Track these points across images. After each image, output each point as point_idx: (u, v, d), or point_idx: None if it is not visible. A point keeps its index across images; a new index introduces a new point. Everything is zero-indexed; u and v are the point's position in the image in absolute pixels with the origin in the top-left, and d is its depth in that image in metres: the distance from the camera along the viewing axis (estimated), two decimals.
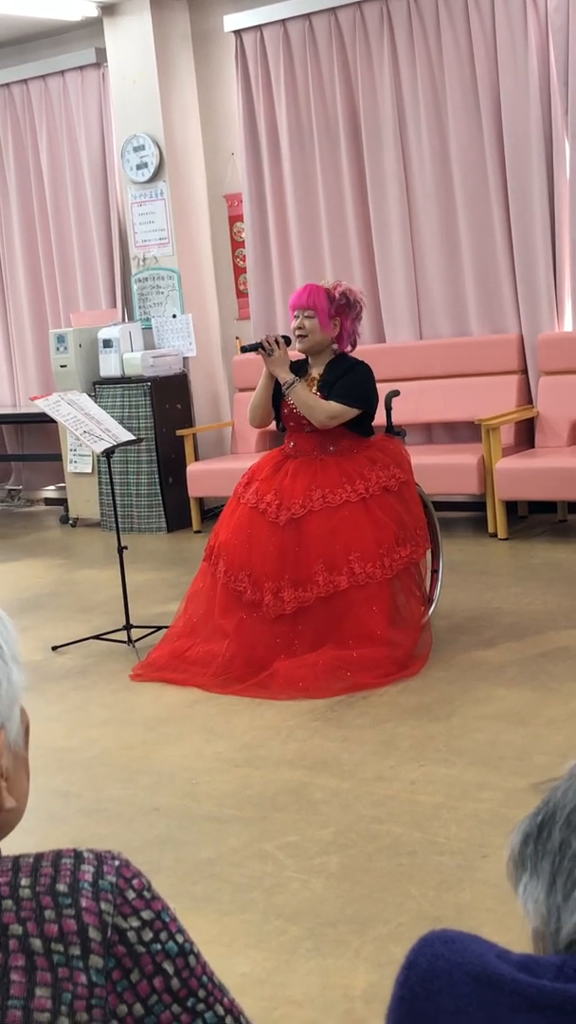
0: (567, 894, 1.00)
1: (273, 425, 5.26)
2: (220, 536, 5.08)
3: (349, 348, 5.07)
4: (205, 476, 7.99)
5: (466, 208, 7.42)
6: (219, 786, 3.94)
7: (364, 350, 7.49)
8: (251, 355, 8.20)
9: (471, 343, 7.53)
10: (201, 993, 1.11)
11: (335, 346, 5.04)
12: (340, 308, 4.99)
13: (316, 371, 5.06)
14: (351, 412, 4.93)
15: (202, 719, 4.58)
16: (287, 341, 5.08)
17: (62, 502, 9.27)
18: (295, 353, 5.13)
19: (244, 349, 5.26)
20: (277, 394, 5.08)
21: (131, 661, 5.27)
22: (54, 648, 5.60)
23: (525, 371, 7.42)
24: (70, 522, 8.85)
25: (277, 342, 5.03)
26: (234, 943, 2.97)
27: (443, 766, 3.90)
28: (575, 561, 6.35)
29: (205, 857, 3.44)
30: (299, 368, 5.08)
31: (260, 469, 5.11)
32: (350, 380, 4.96)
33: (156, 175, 8.37)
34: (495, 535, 6.97)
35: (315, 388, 5.01)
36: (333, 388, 4.95)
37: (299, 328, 4.98)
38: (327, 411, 4.91)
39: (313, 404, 4.93)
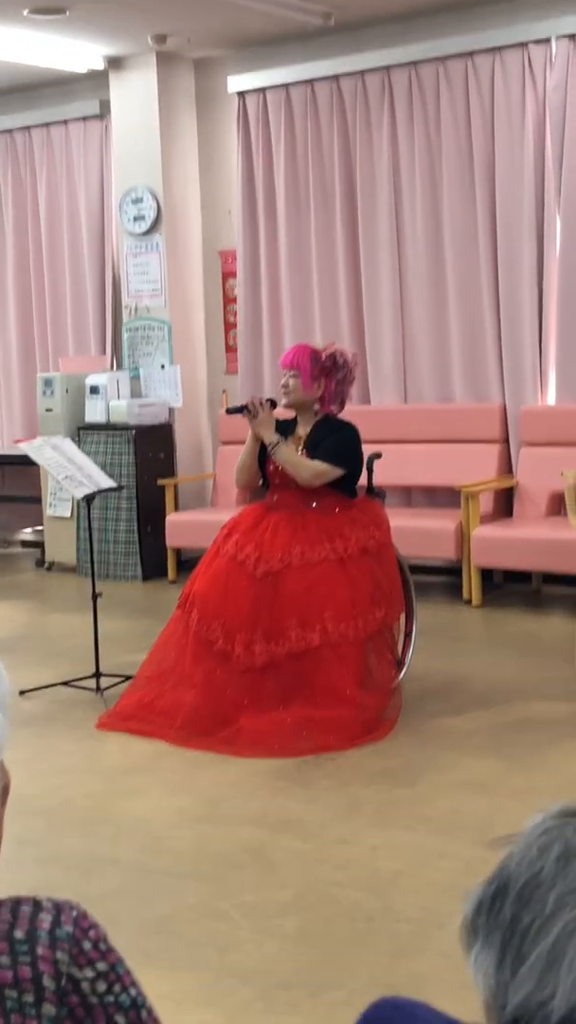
0: (514, 971, 1.00)
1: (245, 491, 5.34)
2: (196, 585, 5.09)
3: (334, 409, 5.12)
4: (184, 527, 8.00)
5: (456, 277, 7.51)
6: (179, 841, 3.92)
7: (348, 411, 7.52)
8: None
9: (455, 410, 7.60)
10: None
11: (317, 407, 5.10)
12: (325, 369, 5.07)
13: (303, 430, 5.12)
14: (336, 472, 4.98)
15: (166, 772, 4.56)
16: (272, 404, 5.17)
17: (39, 545, 9.25)
18: (285, 412, 5.19)
19: (229, 411, 5.32)
20: (262, 452, 5.13)
21: (98, 709, 5.25)
22: (21, 693, 5.56)
23: (507, 441, 7.48)
24: (45, 566, 8.83)
25: (262, 404, 5.11)
26: (185, 1000, 2.94)
27: (406, 832, 3.89)
28: (547, 632, 6.37)
29: (161, 913, 3.41)
30: (287, 427, 5.14)
31: (241, 521, 5.14)
32: (336, 441, 5.02)
33: (153, 227, 8.45)
34: (469, 602, 6.99)
35: (301, 447, 5.05)
36: (319, 448, 5.01)
37: (284, 385, 5.11)
38: (312, 469, 4.96)
39: (298, 462, 4.98)
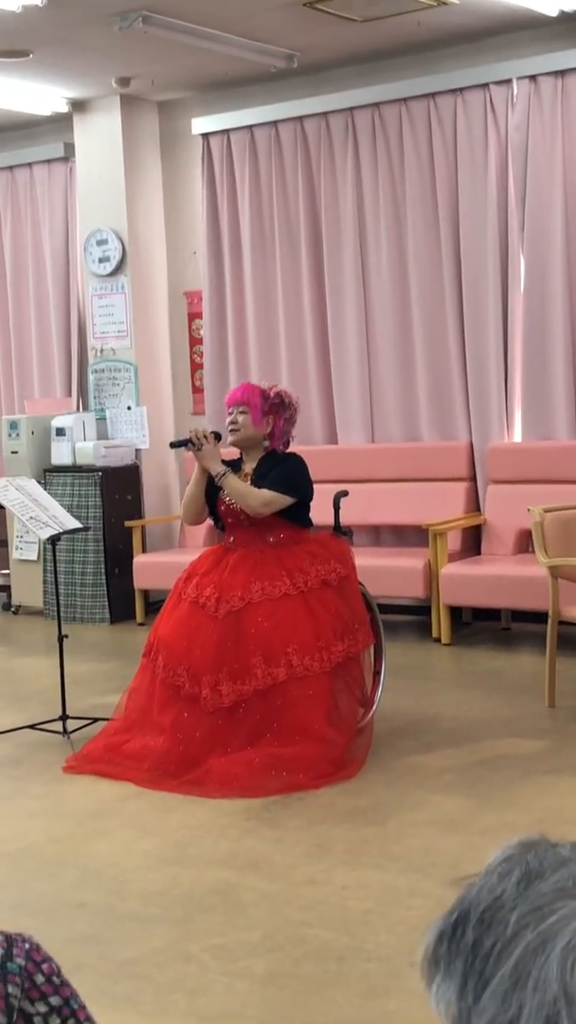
0: (477, 996, 0.97)
1: (209, 522, 5.28)
2: (159, 631, 5.06)
3: (281, 448, 5.12)
4: (152, 568, 7.95)
5: (421, 316, 7.54)
6: (146, 884, 3.85)
7: (316, 450, 7.54)
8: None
9: (422, 449, 7.60)
10: None
11: (267, 443, 5.10)
12: (274, 407, 5.09)
13: (249, 466, 5.11)
14: (284, 500, 4.97)
15: (133, 815, 4.50)
16: (217, 437, 5.15)
17: (5, 588, 9.17)
18: (230, 451, 5.18)
19: (173, 445, 5.32)
20: (213, 492, 5.10)
21: (65, 752, 5.18)
22: None
23: (474, 479, 7.49)
24: (12, 609, 8.75)
25: (206, 436, 5.08)
26: None
27: (376, 871, 3.84)
28: (516, 670, 6.35)
29: (128, 956, 3.35)
30: (234, 466, 5.13)
31: (200, 564, 5.13)
32: (282, 470, 5.03)
33: (118, 269, 8.46)
34: (439, 640, 6.97)
35: (249, 482, 5.04)
36: (266, 479, 5.00)
37: (232, 423, 5.08)
38: (260, 498, 4.95)
39: (245, 492, 4.97)
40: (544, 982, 0.94)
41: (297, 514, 5.05)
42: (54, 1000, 1.06)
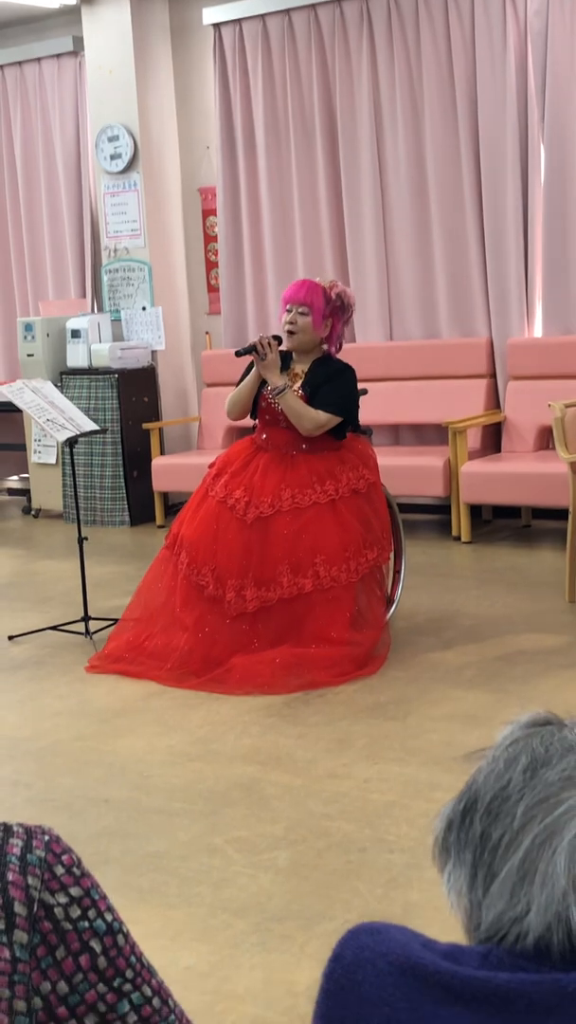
0: (486, 888, 0.97)
1: (230, 423, 5.19)
2: (184, 528, 5.01)
3: (335, 351, 5.01)
4: (170, 471, 7.94)
5: (440, 210, 7.41)
6: (170, 780, 3.90)
7: None
8: (222, 351, 8.18)
9: (441, 346, 7.52)
10: (129, 973, 1.08)
11: (324, 346, 4.97)
12: (335, 309, 4.90)
13: (300, 367, 4.96)
14: (336, 421, 4.87)
15: (156, 712, 4.54)
16: (277, 340, 4.92)
17: (25, 492, 9.19)
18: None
19: (239, 353, 5.02)
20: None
21: (88, 653, 5.22)
22: (10, 638, 5.55)
23: (494, 375, 7.41)
24: (32, 513, 8.78)
25: (269, 344, 4.87)
26: (179, 936, 2.93)
27: (397, 765, 3.87)
28: (537, 566, 6.35)
29: (153, 850, 3.40)
30: (282, 361, 4.94)
31: (230, 462, 5.03)
32: (337, 388, 4.87)
33: (130, 166, 8.32)
34: (459, 538, 6.96)
35: (298, 385, 4.93)
36: (318, 393, 4.86)
37: (291, 323, 4.88)
38: (315, 421, 4.82)
39: (302, 412, 4.83)
40: (552, 877, 0.94)
41: (337, 428, 4.94)
42: (74, 891, 1.06)
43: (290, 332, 4.90)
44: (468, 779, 1.02)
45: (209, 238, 8.48)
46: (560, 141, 6.96)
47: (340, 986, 0.98)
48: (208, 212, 8.45)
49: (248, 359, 4.99)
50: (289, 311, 4.89)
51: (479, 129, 7.21)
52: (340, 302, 4.90)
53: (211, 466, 5.11)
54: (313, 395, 4.86)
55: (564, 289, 7.09)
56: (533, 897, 0.95)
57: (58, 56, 8.80)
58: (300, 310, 4.86)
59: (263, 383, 4.93)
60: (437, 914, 2.89)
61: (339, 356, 5.03)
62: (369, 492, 4.97)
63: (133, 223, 8.40)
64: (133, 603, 5.17)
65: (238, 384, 5.03)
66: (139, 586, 5.20)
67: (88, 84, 8.51)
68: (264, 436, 5.01)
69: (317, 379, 4.89)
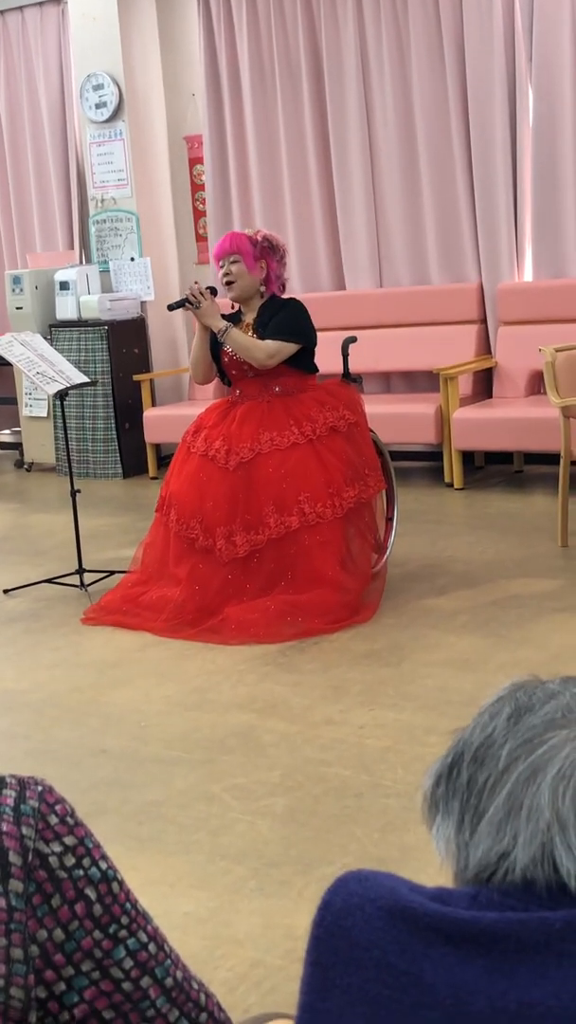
0: (474, 828, 0.99)
1: (217, 379, 5.22)
2: (171, 485, 5.07)
3: (278, 291, 5.04)
4: (162, 422, 7.93)
5: (428, 155, 7.35)
6: (167, 729, 3.93)
7: (323, 297, 7.44)
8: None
9: (431, 292, 7.49)
10: (124, 920, 1.10)
11: (263, 288, 5.01)
12: (264, 251, 4.98)
13: (250, 317, 5.03)
14: (289, 347, 4.91)
15: (152, 663, 4.57)
16: (213, 292, 5.04)
17: (17, 446, 9.18)
18: (226, 302, 5.09)
19: (171, 307, 5.19)
20: (216, 347, 5.04)
21: (83, 605, 5.24)
22: (5, 591, 5.56)
23: (484, 321, 7.39)
24: (25, 466, 8.77)
25: (202, 293, 4.97)
26: (178, 883, 2.97)
27: (392, 711, 3.90)
28: (529, 511, 6.36)
29: (151, 799, 3.43)
30: (233, 319, 5.05)
31: (208, 417, 5.10)
32: (283, 317, 4.94)
33: (115, 115, 8.24)
34: (451, 485, 6.97)
35: (251, 332, 4.97)
36: (268, 327, 4.93)
37: (226, 275, 4.96)
38: (265, 349, 4.89)
39: (249, 345, 4.90)
40: (536, 810, 0.96)
41: (302, 360, 4.99)
42: (68, 840, 1.08)
43: (228, 283, 4.97)
44: (455, 737, 1.05)
45: (196, 187, 8.41)
46: (548, 83, 6.90)
47: (330, 932, 1.00)
48: (195, 160, 8.38)
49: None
50: (222, 266, 4.98)
51: (466, 72, 7.13)
52: (268, 243, 5.00)
53: (191, 425, 5.15)
54: (264, 333, 4.92)
55: (554, 233, 7.05)
56: (519, 830, 0.97)
57: (40, 4, 8.69)
58: (231, 259, 4.95)
59: (216, 340, 4.96)
60: (434, 857, 2.92)
61: (304, 301, 5.10)
62: (350, 431, 5.00)
63: (120, 173, 8.33)
64: (132, 568, 5.22)
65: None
66: (137, 552, 5.24)
67: (72, 32, 8.41)
68: (238, 392, 5.06)
69: (266, 318, 4.96)
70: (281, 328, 4.91)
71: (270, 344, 4.90)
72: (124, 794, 3.47)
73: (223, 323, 4.95)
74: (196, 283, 5.13)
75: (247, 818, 3.26)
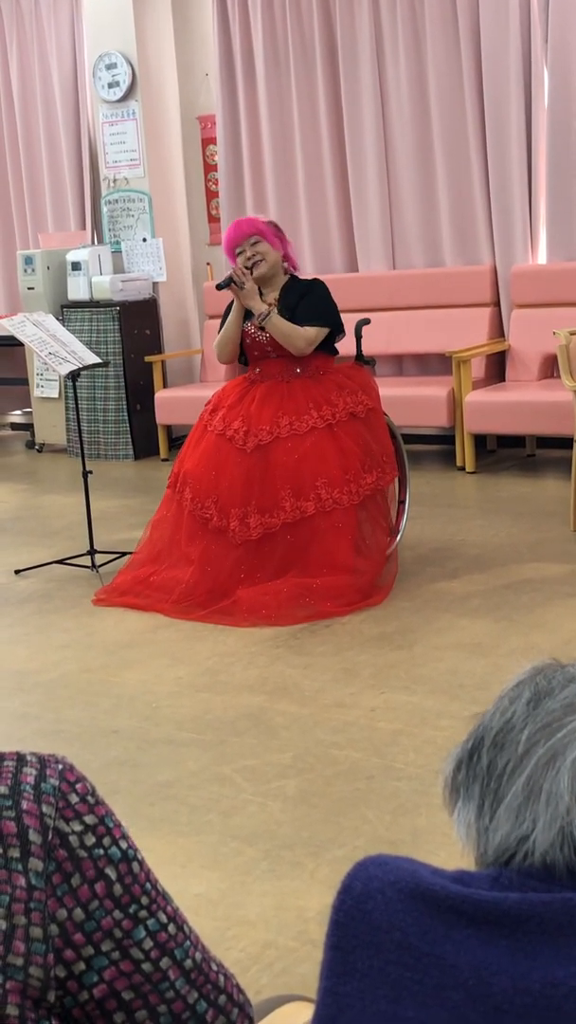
0: (493, 813, 0.99)
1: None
2: (186, 464, 5.04)
3: (295, 270, 5.06)
4: (173, 403, 7.92)
5: (442, 137, 7.31)
6: (179, 710, 3.93)
7: (336, 278, 7.41)
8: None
9: (444, 274, 7.46)
10: (144, 900, 1.09)
11: (286, 265, 5.00)
12: (277, 230, 5.02)
13: (272, 296, 4.98)
14: (324, 333, 4.91)
15: (164, 644, 4.57)
16: (231, 281, 4.97)
17: (28, 427, 9.18)
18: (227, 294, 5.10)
19: (219, 287, 5.08)
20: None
21: (94, 586, 5.24)
22: (17, 572, 5.56)
23: (498, 303, 7.36)
24: (36, 447, 8.77)
25: (244, 273, 4.91)
26: (189, 864, 2.97)
27: (403, 694, 3.90)
28: (541, 495, 6.35)
29: (163, 779, 3.44)
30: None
31: (226, 396, 5.07)
32: (313, 301, 4.92)
33: (128, 94, 8.20)
34: (463, 468, 6.95)
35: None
36: (296, 311, 4.90)
37: (251, 256, 4.91)
38: (305, 337, 4.86)
39: (290, 332, 4.85)
40: (556, 795, 0.95)
41: (325, 343, 4.97)
42: (89, 819, 1.07)
43: (257, 263, 4.92)
44: (475, 723, 1.04)
45: (209, 167, 8.38)
46: (564, 64, 6.85)
47: (350, 916, 1.00)
48: (208, 141, 8.35)
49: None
50: (241, 252, 4.92)
51: (482, 53, 7.09)
52: (275, 226, 5.04)
53: (208, 403, 5.12)
54: (292, 316, 4.89)
55: (568, 215, 7.01)
56: (539, 814, 0.97)
57: None
58: (251, 241, 4.92)
59: (245, 320, 4.93)
60: (445, 839, 2.93)
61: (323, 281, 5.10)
62: (368, 417, 4.99)
63: (132, 153, 8.30)
64: (141, 546, 5.19)
65: (220, 327, 5.03)
66: (146, 529, 5.22)
67: (85, 11, 8.37)
68: (257, 370, 5.02)
69: (291, 300, 4.93)
70: (316, 313, 4.88)
71: (310, 331, 4.87)
72: (135, 775, 3.48)
73: (265, 306, 4.90)
74: (239, 267, 4.96)
75: (258, 800, 3.26)
